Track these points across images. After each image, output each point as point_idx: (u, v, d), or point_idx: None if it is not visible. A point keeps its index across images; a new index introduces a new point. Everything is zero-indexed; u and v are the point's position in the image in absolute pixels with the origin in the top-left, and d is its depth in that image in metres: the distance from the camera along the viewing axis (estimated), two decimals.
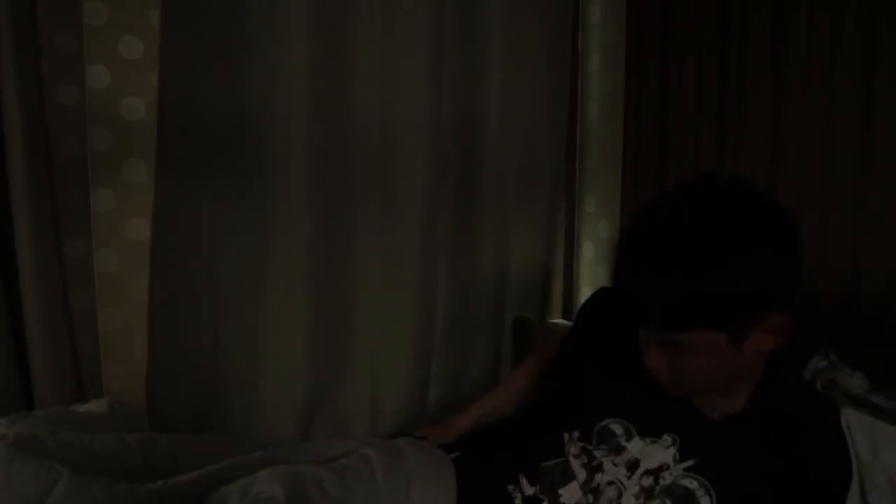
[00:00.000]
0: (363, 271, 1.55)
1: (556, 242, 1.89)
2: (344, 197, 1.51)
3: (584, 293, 1.94)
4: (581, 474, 0.97)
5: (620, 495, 0.93)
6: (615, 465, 0.95)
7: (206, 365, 1.44)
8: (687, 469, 0.91)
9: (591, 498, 0.95)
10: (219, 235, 1.42)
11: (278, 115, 1.42)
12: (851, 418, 0.91)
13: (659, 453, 0.93)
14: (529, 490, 1.00)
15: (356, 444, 1.16)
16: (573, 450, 1.00)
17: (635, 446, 0.95)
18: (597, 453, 0.97)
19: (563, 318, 1.95)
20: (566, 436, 1.02)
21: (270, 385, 1.49)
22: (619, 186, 1.76)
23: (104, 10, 1.47)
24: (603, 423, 0.99)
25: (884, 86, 1.13)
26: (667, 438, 0.94)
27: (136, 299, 1.52)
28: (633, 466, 0.93)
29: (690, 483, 0.89)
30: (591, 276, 1.91)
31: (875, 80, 1.15)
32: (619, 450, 0.96)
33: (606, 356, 1.05)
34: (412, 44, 1.51)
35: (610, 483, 0.94)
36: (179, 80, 1.33)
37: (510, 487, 1.01)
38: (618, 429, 0.98)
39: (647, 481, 0.92)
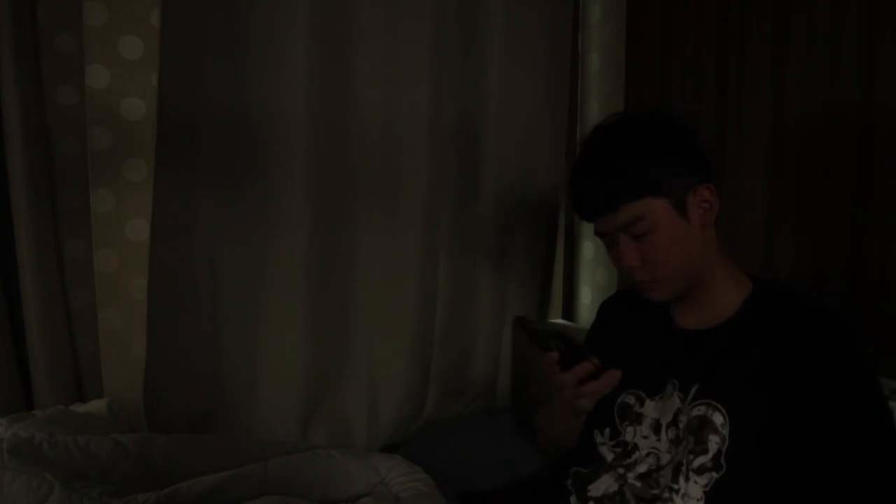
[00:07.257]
0: (363, 271, 1.55)
1: (555, 242, 1.89)
2: (344, 197, 1.51)
3: (584, 293, 1.94)
4: (609, 455, 1.02)
5: (658, 459, 0.97)
6: (644, 436, 0.99)
7: (205, 365, 1.44)
8: (692, 400, 0.94)
9: (622, 472, 0.99)
10: (218, 236, 1.42)
11: (278, 115, 1.42)
12: None
13: (670, 403, 0.97)
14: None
15: (360, 483, 1.17)
16: (600, 438, 1.05)
17: (649, 409, 1.00)
18: (623, 430, 1.02)
19: (564, 318, 1.95)
20: (596, 433, 1.06)
21: (269, 385, 1.49)
22: None
23: (104, 10, 1.47)
24: (618, 400, 1.04)
25: (884, 86, 1.13)
26: (669, 387, 0.98)
27: (136, 299, 1.52)
28: (656, 428, 0.98)
29: (699, 410, 0.93)
30: (591, 276, 1.91)
31: (875, 81, 1.15)
32: (639, 418, 1.01)
33: (605, 348, 1.12)
34: (413, 44, 1.51)
35: (648, 454, 0.98)
36: (179, 80, 1.33)
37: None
38: (630, 399, 1.03)
39: (672, 433, 0.96)
